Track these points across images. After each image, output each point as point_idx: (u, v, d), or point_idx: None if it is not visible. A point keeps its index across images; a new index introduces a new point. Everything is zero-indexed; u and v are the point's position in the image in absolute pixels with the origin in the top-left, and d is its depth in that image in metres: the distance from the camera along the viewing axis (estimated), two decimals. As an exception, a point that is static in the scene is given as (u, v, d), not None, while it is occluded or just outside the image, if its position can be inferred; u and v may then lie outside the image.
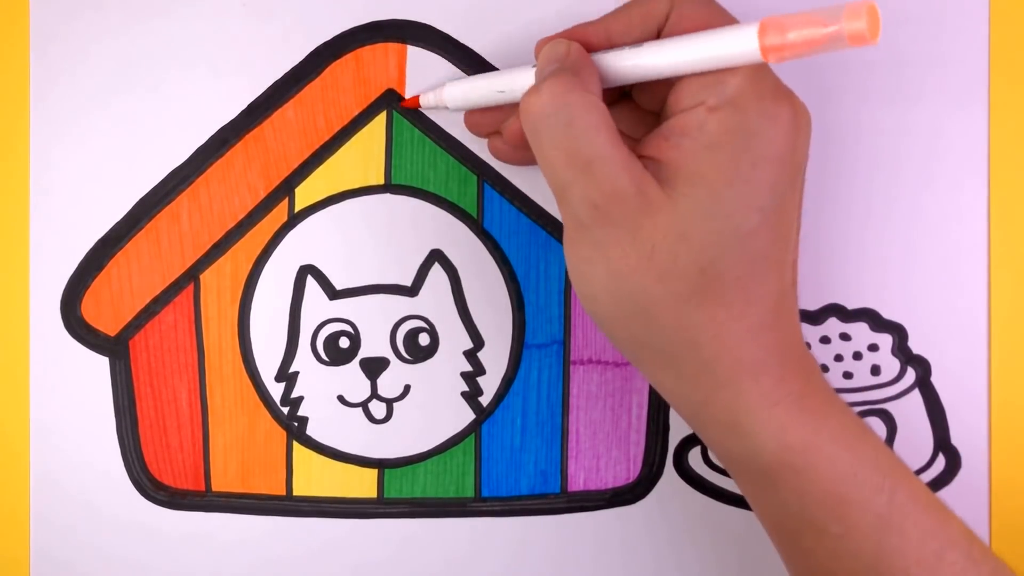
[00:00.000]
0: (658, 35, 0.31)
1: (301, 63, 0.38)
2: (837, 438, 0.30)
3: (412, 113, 0.38)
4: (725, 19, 0.30)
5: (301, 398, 0.39)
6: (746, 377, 0.30)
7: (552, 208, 0.38)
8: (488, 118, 0.36)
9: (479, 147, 0.38)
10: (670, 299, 0.29)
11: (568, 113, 0.29)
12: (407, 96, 0.37)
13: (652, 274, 0.29)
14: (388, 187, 0.38)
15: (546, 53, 0.31)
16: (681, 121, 0.29)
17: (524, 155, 0.35)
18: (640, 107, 0.34)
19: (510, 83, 0.33)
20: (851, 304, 0.38)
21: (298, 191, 0.38)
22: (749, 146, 0.29)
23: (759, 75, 0.29)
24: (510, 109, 0.35)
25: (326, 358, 0.38)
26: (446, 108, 0.36)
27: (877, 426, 0.38)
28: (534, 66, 0.32)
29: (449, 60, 0.38)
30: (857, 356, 0.38)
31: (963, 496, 0.38)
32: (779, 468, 0.30)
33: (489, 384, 0.38)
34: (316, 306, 0.38)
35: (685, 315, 0.29)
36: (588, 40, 0.31)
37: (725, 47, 0.28)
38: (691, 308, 0.29)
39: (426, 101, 0.37)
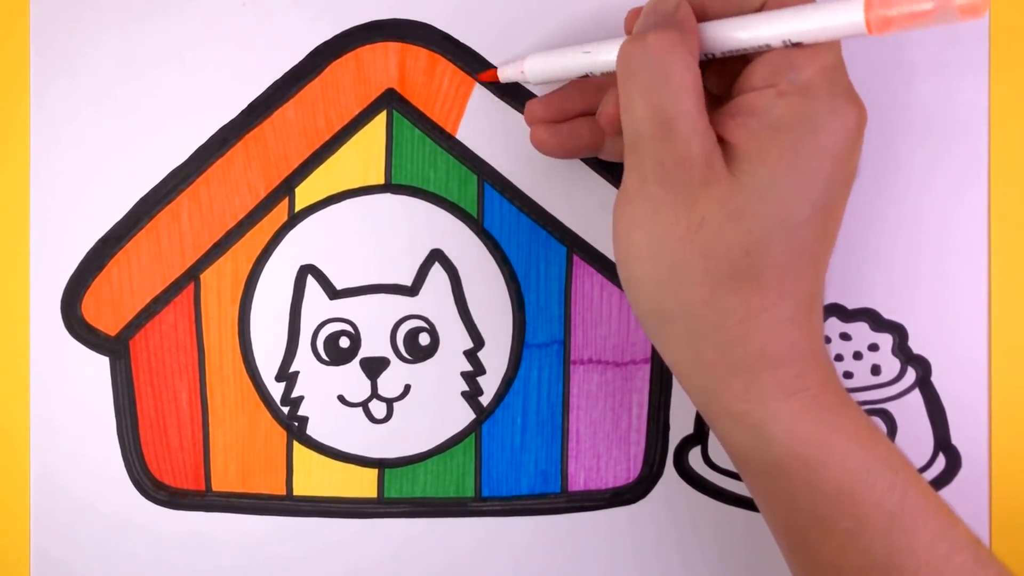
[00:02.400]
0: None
1: (301, 63, 0.38)
2: (851, 435, 0.30)
3: (412, 112, 0.38)
4: None
5: (301, 398, 0.39)
6: (765, 367, 0.30)
7: (552, 208, 0.38)
8: (551, 107, 0.36)
9: (479, 147, 0.38)
10: (708, 275, 0.29)
11: (667, 69, 0.28)
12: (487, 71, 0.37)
13: (697, 246, 0.29)
14: (388, 187, 0.38)
15: (654, 5, 0.30)
16: (749, 100, 0.30)
17: (569, 143, 0.35)
18: (708, 90, 0.34)
19: (596, 48, 0.33)
20: (851, 304, 0.38)
21: (298, 191, 0.38)
22: (812, 136, 0.29)
23: (833, 70, 0.29)
24: (574, 98, 0.35)
25: (326, 358, 0.38)
26: (525, 80, 0.36)
27: (877, 426, 0.38)
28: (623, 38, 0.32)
29: (449, 60, 0.38)
30: (857, 356, 0.38)
31: (963, 496, 0.38)
32: (790, 461, 0.30)
33: (489, 384, 0.38)
34: (316, 306, 0.38)
35: (719, 294, 0.29)
36: None
37: (829, 19, 0.28)
38: (726, 288, 0.29)
39: (504, 74, 0.36)
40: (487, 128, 0.38)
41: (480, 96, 0.38)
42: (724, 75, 0.32)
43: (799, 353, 0.30)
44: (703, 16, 0.31)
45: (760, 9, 0.30)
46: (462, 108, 0.38)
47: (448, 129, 0.38)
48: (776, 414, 0.30)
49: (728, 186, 0.29)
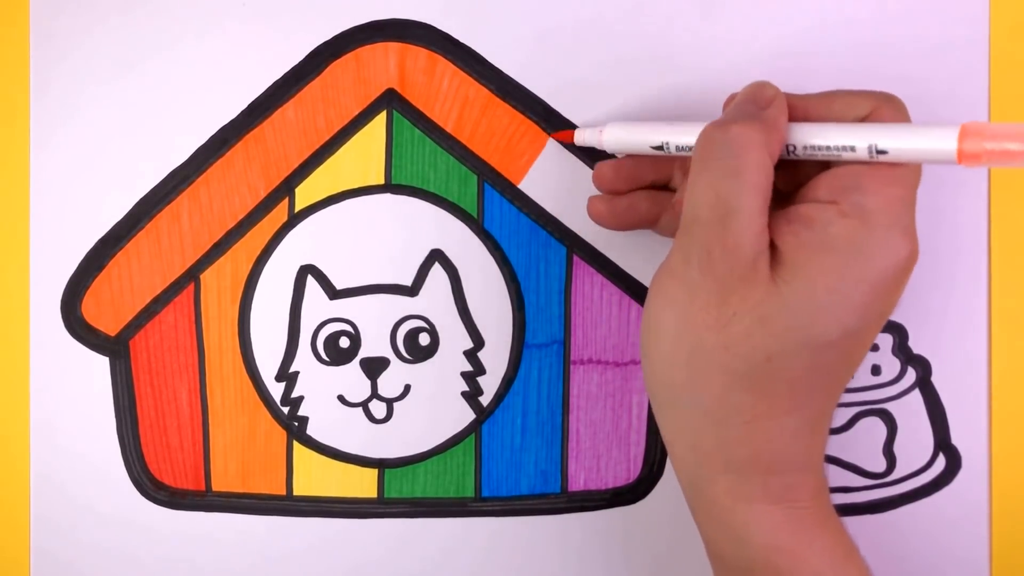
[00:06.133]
0: None
1: (301, 63, 0.38)
2: (825, 554, 0.31)
3: (412, 113, 0.38)
4: None
5: (301, 398, 0.39)
6: (758, 471, 0.30)
7: (552, 208, 0.38)
8: (621, 172, 0.36)
9: (479, 147, 0.38)
10: (725, 370, 0.29)
11: (742, 163, 0.29)
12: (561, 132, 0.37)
13: (721, 339, 0.29)
14: (388, 187, 0.38)
15: (752, 91, 0.31)
16: (809, 211, 0.30)
17: (623, 219, 0.36)
18: (775, 186, 0.33)
19: (680, 130, 0.33)
20: (851, 304, 0.38)
21: (298, 191, 0.38)
22: (860, 264, 0.29)
23: (900, 203, 0.29)
24: (646, 167, 0.35)
25: (326, 358, 0.38)
26: (600, 148, 0.35)
27: (877, 426, 0.38)
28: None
29: (449, 60, 0.38)
30: (857, 356, 0.38)
31: (963, 496, 0.38)
32: (763, 566, 0.30)
33: (489, 384, 0.38)
34: (316, 306, 0.38)
35: (731, 391, 0.30)
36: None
37: (923, 141, 0.28)
38: (739, 388, 0.29)
39: (581, 138, 0.36)
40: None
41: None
42: (795, 175, 0.32)
43: (794, 465, 0.31)
44: (800, 117, 0.31)
45: (862, 120, 0.30)
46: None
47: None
48: (758, 518, 0.30)
49: (765, 291, 0.29)
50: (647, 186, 0.36)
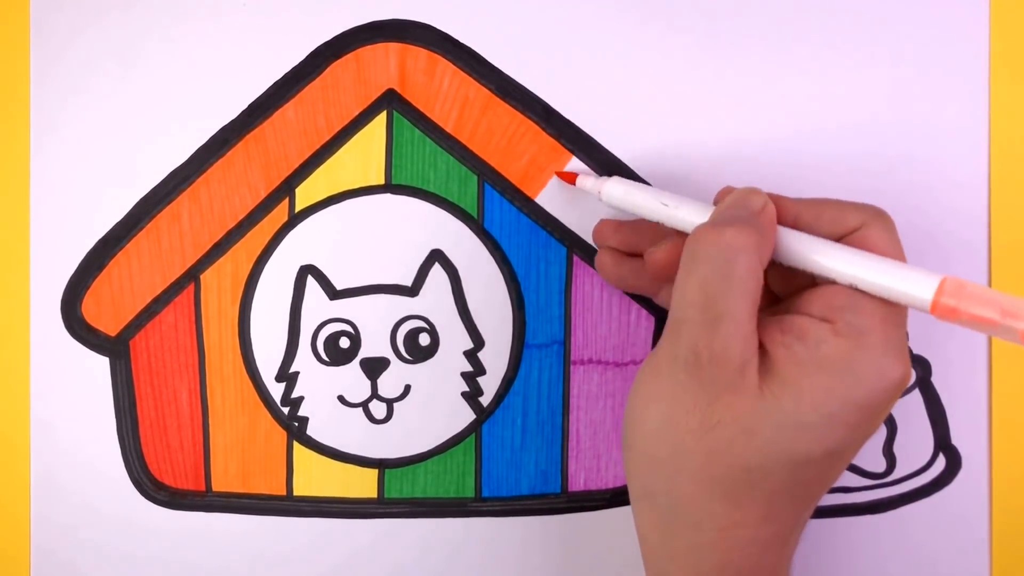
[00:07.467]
0: (838, 242, 0.31)
1: (301, 63, 0.38)
2: None
3: (412, 113, 0.38)
4: (901, 258, 0.30)
5: (301, 398, 0.39)
6: None
7: (552, 208, 0.38)
8: (620, 234, 0.36)
9: (479, 147, 0.38)
10: (703, 475, 0.29)
11: (733, 268, 0.28)
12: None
13: (703, 444, 0.29)
14: (388, 187, 0.38)
15: (743, 197, 0.31)
16: (803, 325, 0.29)
17: (630, 279, 0.36)
18: (768, 286, 0.33)
19: (678, 204, 0.33)
20: (851, 304, 0.38)
21: (298, 191, 0.38)
22: (851, 387, 0.28)
23: (894, 326, 0.29)
24: (645, 234, 0.35)
25: (326, 358, 0.38)
26: (598, 197, 0.36)
27: None
28: (708, 205, 0.32)
29: (449, 60, 0.38)
30: (857, 356, 0.38)
31: (963, 496, 0.38)
32: None
33: (489, 384, 0.38)
34: (316, 306, 0.38)
35: (706, 497, 0.29)
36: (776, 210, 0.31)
37: (900, 282, 0.28)
38: (715, 494, 0.29)
39: (582, 183, 0.36)
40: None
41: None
42: (790, 280, 0.32)
43: (762, 574, 0.30)
44: (792, 224, 0.31)
45: (851, 233, 0.30)
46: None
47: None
48: None
49: (751, 402, 0.29)
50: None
